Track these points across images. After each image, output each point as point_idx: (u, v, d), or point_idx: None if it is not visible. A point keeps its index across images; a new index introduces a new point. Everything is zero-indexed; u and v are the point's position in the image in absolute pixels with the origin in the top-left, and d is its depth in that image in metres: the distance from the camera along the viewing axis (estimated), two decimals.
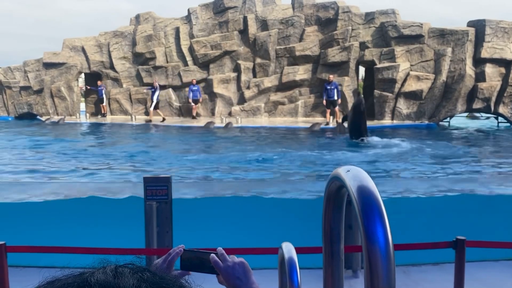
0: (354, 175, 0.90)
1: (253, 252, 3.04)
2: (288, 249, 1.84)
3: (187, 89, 21.99)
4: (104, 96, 22.45)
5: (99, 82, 22.52)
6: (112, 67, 22.87)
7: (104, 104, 22.55)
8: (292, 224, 5.26)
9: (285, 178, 8.20)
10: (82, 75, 24.36)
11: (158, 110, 20.83)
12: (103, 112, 22.60)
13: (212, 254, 1.17)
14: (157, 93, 20.91)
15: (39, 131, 17.72)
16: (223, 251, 1.19)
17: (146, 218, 4.87)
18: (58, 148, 12.96)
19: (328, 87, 18.39)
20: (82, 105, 25.09)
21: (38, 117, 22.84)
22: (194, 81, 21.10)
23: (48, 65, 23.16)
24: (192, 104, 20.99)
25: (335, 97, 18.46)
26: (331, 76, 18.80)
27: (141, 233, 4.57)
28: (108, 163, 10.43)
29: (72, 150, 12.59)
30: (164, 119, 20.35)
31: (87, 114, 23.05)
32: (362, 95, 14.40)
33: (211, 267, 1.15)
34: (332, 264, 1.10)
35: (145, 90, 21.88)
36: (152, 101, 20.91)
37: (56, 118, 21.74)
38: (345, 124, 14.67)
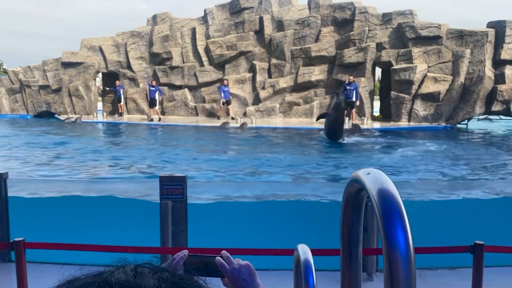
0: (374, 178, 0.89)
1: (268, 253, 3.04)
2: (304, 251, 1.83)
3: (203, 89, 22.11)
4: (121, 96, 22.66)
5: (117, 82, 22.76)
6: (129, 67, 23.10)
7: (121, 103, 22.76)
8: (306, 226, 5.24)
9: (300, 180, 8.18)
10: (100, 74, 24.66)
11: (155, 109, 20.97)
12: (120, 111, 22.82)
13: (217, 257, 1.16)
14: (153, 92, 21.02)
15: (57, 130, 17.99)
16: (228, 254, 1.18)
17: (162, 217, 4.90)
18: (76, 146, 13.14)
19: (348, 88, 18.21)
20: (100, 105, 25.42)
21: (56, 116, 23.18)
22: (226, 82, 20.75)
23: (67, 65, 23.50)
24: (221, 105, 20.77)
25: (354, 99, 18.25)
26: (351, 77, 18.63)
27: (157, 233, 4.60)
28: (123, 162, 10.53)
29: (88, 148, 12.75)
30: (160, 118, 20.59)
31: (104, 114, 23.32)
32: (342, 97, 14.22)
33: (216, 270, 1.15)
34: (349, 267, 1.10)
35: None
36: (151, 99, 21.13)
37: (73, 117, 22.04)
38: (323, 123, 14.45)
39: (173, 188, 5.11)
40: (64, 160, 10.72)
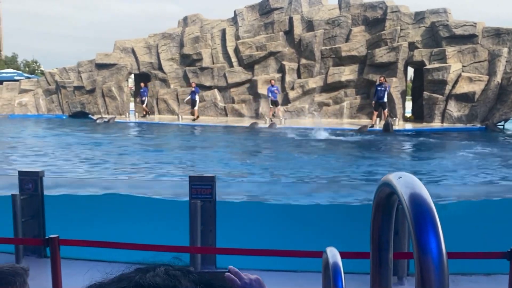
0: (406, 182, 0.86)
1: (297, 255, 3.02)
2: (333, 254, 1.81)
3: (232, 90, 22.22)
4: (146, 98, 23.04)
5: (142, 84, 23.24)
6: (160, 68, 23.49)
7: (144, 106, 23.12)
8: (334, 229, 5.18)
9: (332, 182, 8.10)
10: (132, 75, 25.18)
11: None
12: (144, 113, 23.16)
13: (226, 273, 1.14)
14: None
15: (91, 130, 18.47)
16: (236, 270, 1.16)
17: (191, 216, 4.95)
18: (108, 146, 13.45)
19: (379, 88, 17.87)
20: (132, 105, 25.95)
21: (90, 116, 23.80)
22: (273, 82, 20.33)
23: (100, 66, 24.10)
24: (270, 106, 20.19)
25: (385, 99, 17.89)
26: (381, 77, 18.24)
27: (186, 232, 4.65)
28: (155, 161, 10.70)
29: (121, 148, 13.03)
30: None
31: (136, 114, 23.80)
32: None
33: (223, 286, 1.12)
34: (380, 273, 1.07)
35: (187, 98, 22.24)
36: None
37: (106, 117, 22.59)
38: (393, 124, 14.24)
39: (202, 187, 5.16)
40: (97, 159, 10.99)
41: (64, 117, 24.70)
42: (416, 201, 0.82)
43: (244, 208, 5.55)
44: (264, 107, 21.48)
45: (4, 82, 27.20)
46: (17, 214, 5.17)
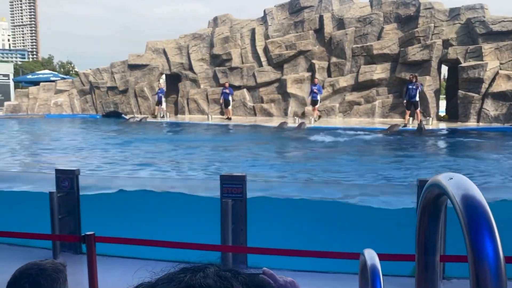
0: (458, 183, 0.82)
1: (333, 256, 2.98)
2: (371, 256, 1.76)
3: (261, 89, 22.22)
4: (162, 98, 23.23)
5: (159, 85, 23.52)
6: (191, 68, 23.75)
7: (162, 106, 23.31)
8: (369, 231, 5.09)
9: (366, 184, 7.98)
10: (163, 76, 25.57)
11: (228, 109, 21.39)
12: (161, 115, 23.20)
13: (261, 275, 1.11)
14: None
15: (124, 129, 18.86)
16: (271, 271, 1.13)
17: (222, 215, 4.97)
18: (141, 144, 13.69)
19: (410, 86, 17.42)
20: (163, 105, 26.31)
21: (123, 115, 24.31)
22: (316, 80, 19.99)
23: (133, 67, 24.58)
24: (311, 105, 19.87)
25: (417, 98, 17.42)
26: (411, 75, 17.85)
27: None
28: (185, 160, 10.82)
29: (154, 147, 13.24)
30: (228, 118, 21.17)
31: (168, 114, 24.14)
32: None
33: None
34: (426, 277, 1.03)
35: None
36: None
37: (138, 117, 23.02)
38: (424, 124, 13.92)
39: (233, 186, 5.17)
40: (129, 158, 11.20)
41: (98, 117, 25.32)
42: (470, 203, 0.78)
43: (277, 206, 5.54)
44: (293, 106, 21.38)
45: (41, 83, 28.13)
46: (54, 211, 5.32)
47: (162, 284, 0.56)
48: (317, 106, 19.88)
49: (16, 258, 5.35)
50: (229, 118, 21.13)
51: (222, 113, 22.61)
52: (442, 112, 20.71)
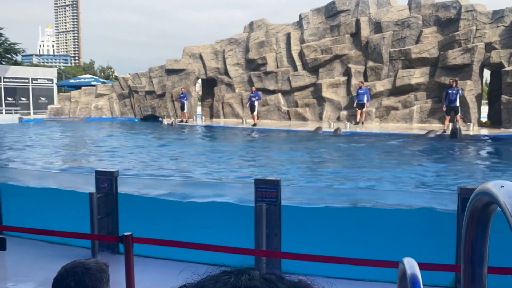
0: (510, 191, 0.78)
1: (370, 264, 2.91)
2: (411, 265, 1.70)
3: (296, 93, 22.15)
4: (185, 103, 23.22)
5: (182, 90, 23.64)
6: (226, 73, 23.98)
7: (185, 111, 23.32)
8: (405, 238, 4.96)
9: (398, 189, 7.80)
10: (199, 80, 25.94)
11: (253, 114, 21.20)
12: (184, 120, 23.17)
13: (302, 279, 1.08)
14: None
15: (159, 133, 19.23)
16: (308, 282, 1.10)
17: (256, 219, 4.97)
18: (175, 148, 13.91)
19: (450, 91, 16.84)
20: (199, 109, 26.72)
21: (160, 119, 24.81)
22: (362, 84, 19.55)
23: (170, 72, 25.07)
24: (358, 109, 19.46)
25: (457, 103, 16.80)
26: (450, 80, 17.27)
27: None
28: (219, 164, 10.90)
29: (187, 149, 13.43)
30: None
31: (203, 117, 24.45)
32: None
33: None
34: None
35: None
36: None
37: (171, 120, 23.33)
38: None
39: (268, 191, 5.17)
40: (163, 160, 11.39)
41: (136, 120, 25.93)
42: None
43: (310, 212, 5.48)
44: (328, 111, 21.18)
45: (82, 87, 29.12)
46: (94, 211, 5.47)
47: (208, 285, 0.56)
48: (364, 110, 19.55)
49: (56, 255, 5.54)
50: (254, 125, 20.56)
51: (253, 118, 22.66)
52: (484, 118, 19.99)
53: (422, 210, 5.20)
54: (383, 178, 8.86)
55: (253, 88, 21.72)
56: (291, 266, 3.81)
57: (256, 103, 21.14)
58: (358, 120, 19.42)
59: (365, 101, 19.29)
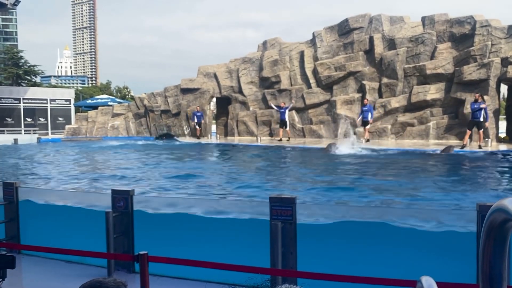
0: None
1: (387, 283, 2.86)
2: (429, 284, 1.66)
3: (310, 111, 22.17)
4: (201, 121, 23.88)
5: (197, 108, 24.03)
6: (240, 91, 24.16)
7: (199, 128, 23.91)
8: (419, 256, 4.86)
9: (413, 207, 7.68)
10: (214, 99, 26.18)
11: (286, 130, 21.53)
12: (198, 135, 23.89)
13: None
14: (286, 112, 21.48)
15: (174, 151, 19.36)
16: None
17: (271, 237, 4.93)
18: (191, 166, 13.97)
19: (475, 106, 16.61)
20: (213, 127, 26.91)
21: (175, 138, 25.01)
22: (367, 101, 19.73)
23: (185, 91, 25.37)
24: (364, 126, 19.59)
25: (481, 119, 16.46)
26: (476, 95, 16.90)
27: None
28: (233, 181, 10.89)
29: (202, 167, 13.47)
30: (289, 139, 21.02)
31: (218, 136, 24.58)
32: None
33: None
34: None
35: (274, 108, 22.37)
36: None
37: (188, 139, 23.56)
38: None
39: (283, 209, 5.13)
40: (176, 179, 11.43)
41: (151, 139, 26.19)
42: None
43: (325, 230, 5.42)
44: (343, 128, 21.11)
45: (99, 107, 29.61)
46: (110, 230, 5.50)
47: None
48: (368, 127, 19.56)
49: (73, 275, 5.56)
50: (281, 140, 20.93)
51: (271, 134, 22.71)
52: (503, 134, 19.67)
53: (441, 231, 5.10)
54: (405, 195, 8.74)
55: (282, 104, 21.66)
56: (307, 285, 3.76)
57: (286, 117, 21.36)
58: (366, 137, 19.30)
59: (369, 118, 19.34)
